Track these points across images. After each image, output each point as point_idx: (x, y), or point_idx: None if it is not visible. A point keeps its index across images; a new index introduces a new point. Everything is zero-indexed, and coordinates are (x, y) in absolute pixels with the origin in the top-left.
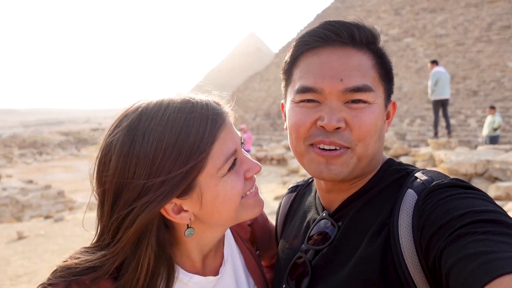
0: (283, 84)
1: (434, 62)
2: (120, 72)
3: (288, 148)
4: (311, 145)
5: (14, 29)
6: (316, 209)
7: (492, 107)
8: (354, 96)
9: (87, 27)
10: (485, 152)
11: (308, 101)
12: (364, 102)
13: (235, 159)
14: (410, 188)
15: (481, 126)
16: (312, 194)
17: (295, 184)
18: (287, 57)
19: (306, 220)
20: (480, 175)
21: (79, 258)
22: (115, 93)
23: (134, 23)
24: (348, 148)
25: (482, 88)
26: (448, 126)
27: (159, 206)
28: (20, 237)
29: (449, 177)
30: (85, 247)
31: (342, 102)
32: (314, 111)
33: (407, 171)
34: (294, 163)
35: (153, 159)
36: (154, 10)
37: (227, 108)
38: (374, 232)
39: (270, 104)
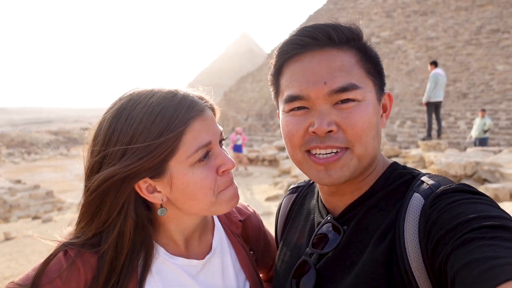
0: (273, 95)
1: (433, 63)
2: (110, 71)
3: (279, 149)
4: (308, 151)
5: (1, 27)
6: (320, 212)
7: (483, 110)
8: (341, 96)
9: (77, 25)
10: (474, 154)
11: (298, 108)
12: (353, 100)
13: (208, 152)
14: (417, 192)
15: (470, 128)
16: (315, 196)
17: (296, 185)
18: (271, 69)
19: (310, 223)
20: (469, 177)
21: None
22: (106, 92)
23: (125, 22)
24: (347, 148)
25: (472, 90)
26: (439, 128)
27: (133, 176)
28: (7, 238)
29: (456, 183)
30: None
31: (331, 105)
32: (304, 118)
33: (413, 175)
34: (286, 163)
35: (131, 137)
36: (146, 9)
37: (212, 103)
38: (379, 236)
39: (262, 104)
